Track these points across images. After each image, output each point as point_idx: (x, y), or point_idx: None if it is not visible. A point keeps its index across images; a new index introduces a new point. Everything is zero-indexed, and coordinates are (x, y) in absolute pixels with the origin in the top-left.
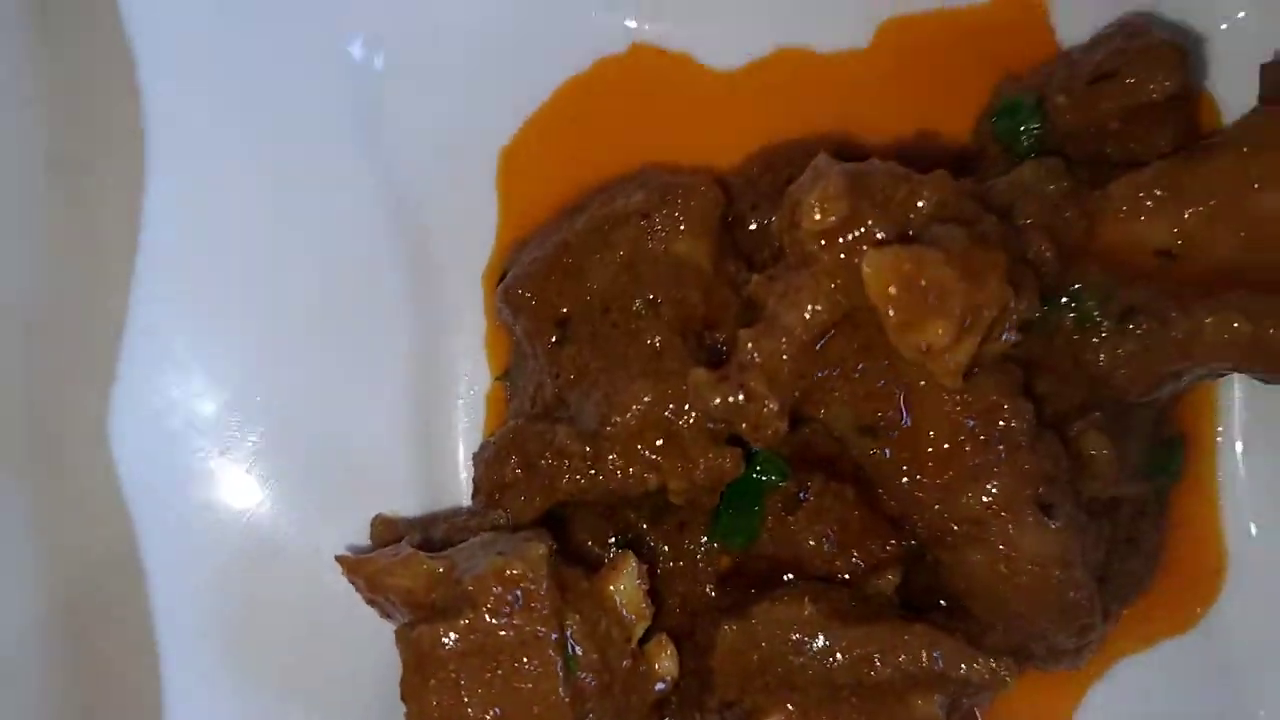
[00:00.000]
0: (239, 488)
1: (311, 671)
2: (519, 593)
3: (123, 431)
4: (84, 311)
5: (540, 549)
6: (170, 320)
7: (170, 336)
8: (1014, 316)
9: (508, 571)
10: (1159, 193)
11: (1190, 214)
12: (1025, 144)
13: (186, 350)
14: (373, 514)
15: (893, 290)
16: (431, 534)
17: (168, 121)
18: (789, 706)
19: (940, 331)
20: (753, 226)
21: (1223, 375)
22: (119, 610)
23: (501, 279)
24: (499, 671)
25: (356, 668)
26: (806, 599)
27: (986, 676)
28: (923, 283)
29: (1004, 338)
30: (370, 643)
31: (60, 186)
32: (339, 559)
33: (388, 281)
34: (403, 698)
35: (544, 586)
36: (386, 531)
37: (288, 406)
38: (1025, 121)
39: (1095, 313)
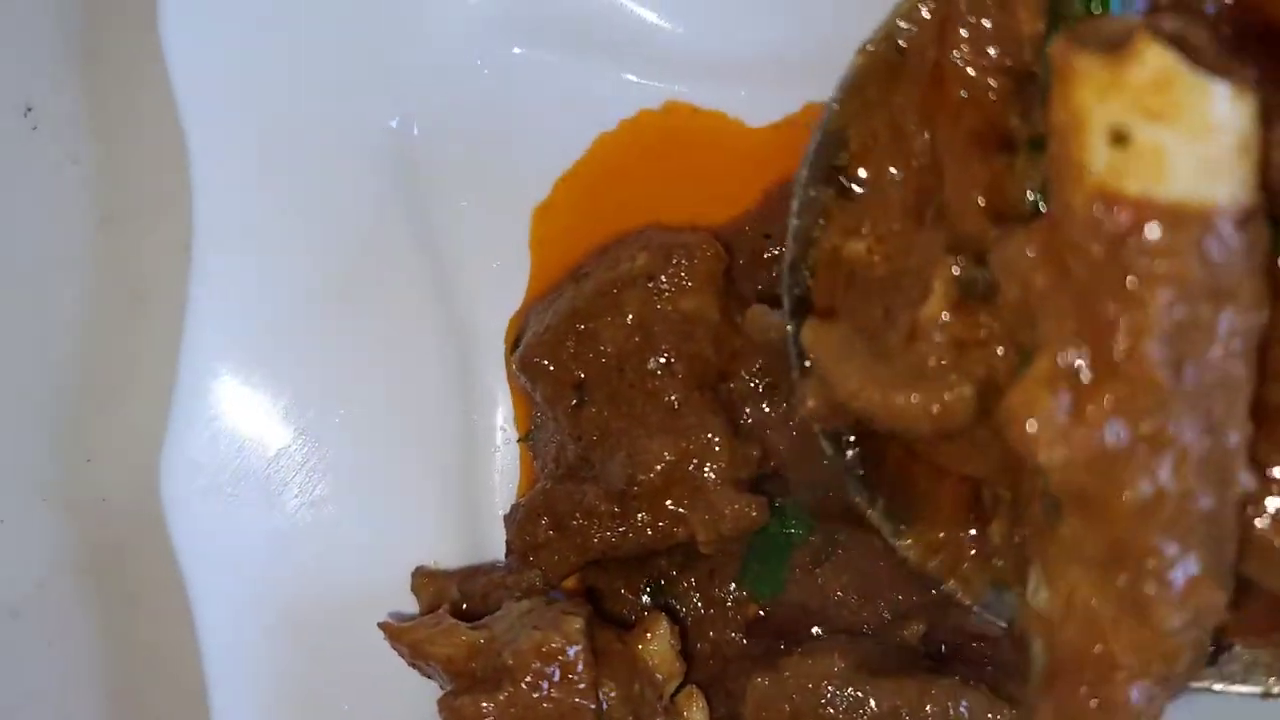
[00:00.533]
0: (289, 539)
1: None
2: (557, 666)
3: (173, 484)
4: (133, 364)
5: (577, 623)
6: (220, 369)
7: (221, 385)
8: None
9: (545, 647)
10: None
11: None
12: None
13: (234, 410)
14: (414, 566)
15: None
16: (470, 589)
17: (215, 184)
18: None
19: None
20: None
21: None
22: (170, 669)
23: (515, 346)
24: None
25: None
26: (836, 654)
27: None
28: None
29: None
30: (416, 702)
31: (109, 244)
32: (382, 626)
33: (429, 345)
34: None
35: (581, 659)
36: (429, 583)
37: (333, 465)
38: None
39: None
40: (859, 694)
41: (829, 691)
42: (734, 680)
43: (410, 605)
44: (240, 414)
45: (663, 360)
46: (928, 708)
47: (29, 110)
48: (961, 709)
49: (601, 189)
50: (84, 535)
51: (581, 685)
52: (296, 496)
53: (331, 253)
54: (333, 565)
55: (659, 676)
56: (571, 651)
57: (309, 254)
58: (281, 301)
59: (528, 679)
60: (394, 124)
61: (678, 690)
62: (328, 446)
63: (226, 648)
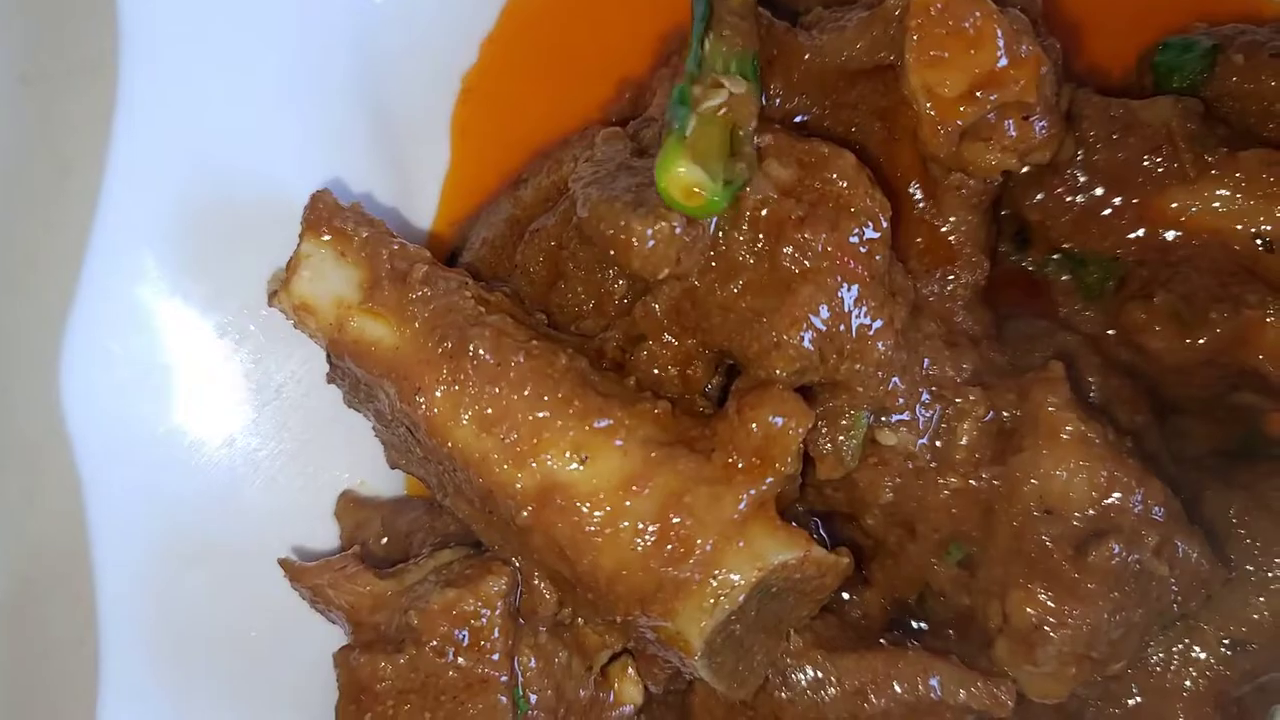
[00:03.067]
0: (197, 445)
1: (257, 665)
2: (467, 631)
3: (74, 375)
4: (45, 236)
5: (498, 583)
6: (135, 255)
7: (134, 275)
8: (1036, 128)
9: (458, 608)
10: None
11: None
12: (1177, 84)
13: (149, 297)
14: (343, 488)
15: (934, 10)
16: (395, 525)
17: (142, 45)
18: None
19: (950, 82)
20: None
21: None
22: (65, 583)
23: (451, 259)
24: (440, 712)
25: (305, 669)
26: (792, 630)
27: (987, 701)
28: (966, 23)
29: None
30: (323, 645)
31: (33, 107)
32: (282, 563)
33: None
34: None
35: (497, 625)
36: (354, 512)
37: (257, 365)
38: (1191, 63)
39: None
40: (818, 673)
41: (785, 671)
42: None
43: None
44: (155, 302)
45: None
46: (895, 685)
47: None
48: (932, 683)
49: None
50: None
51: (494, 654)
52: (215, 399)
53: (267, 133)
54: (249, 480)
55: (588, 647)
56: (485, 615)
57: (242, 132)
58: (211, 183)
59: (434, 643)
60: None
61: (610, 661)
62: (251, 346)
63: (123, 565)
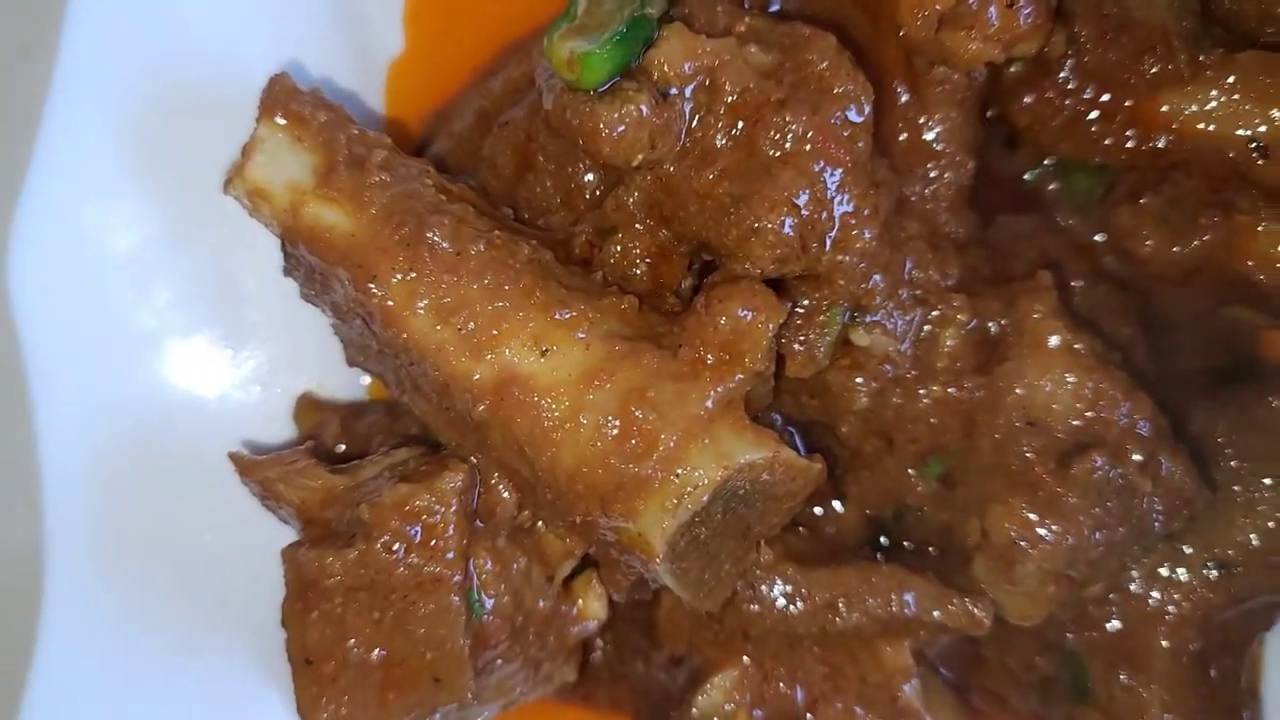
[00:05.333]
0: (149, 340)
1: (206, 565)
2: (419, 528)
3: (21, 264)
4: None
5: (454, 480)
6: (88, 139)
7: (87, 160)
8: (1021, 15)
9: (410, 504)
10: None
11: None
12: None
13: (108, 174)
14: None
15: None
16: (353, 427)
17: None
18: (744, 659)
19: None
20: None
21: None
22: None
23: (420, 150)
24: (390, 612)
25: (254, 570)
26: (762, 542)
27: (963, 619)
28: None
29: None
30: (271, 544)
31: None
32: (232, 456)
33: None
34: (283, 623)
35: (451, 523)
36: (312, 413)
37: (213, 249)
38: None
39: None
40: (788, 586)
41: (754, 584)
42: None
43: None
44: (108, 189)
45: None
46: (867, 600)
47: None
48: (906, 599)
49: None
50: None
51: (448, 553)
52: (169, 292)
53: (226, 13)
54: (203, 379)
55: (549, 555)
56: (439, 512)
57: (199, 13)
58: (168, 67)
59: (384, 538)
60: None
61: (574, 575)
62: (207, 237)
63: (67, 457)
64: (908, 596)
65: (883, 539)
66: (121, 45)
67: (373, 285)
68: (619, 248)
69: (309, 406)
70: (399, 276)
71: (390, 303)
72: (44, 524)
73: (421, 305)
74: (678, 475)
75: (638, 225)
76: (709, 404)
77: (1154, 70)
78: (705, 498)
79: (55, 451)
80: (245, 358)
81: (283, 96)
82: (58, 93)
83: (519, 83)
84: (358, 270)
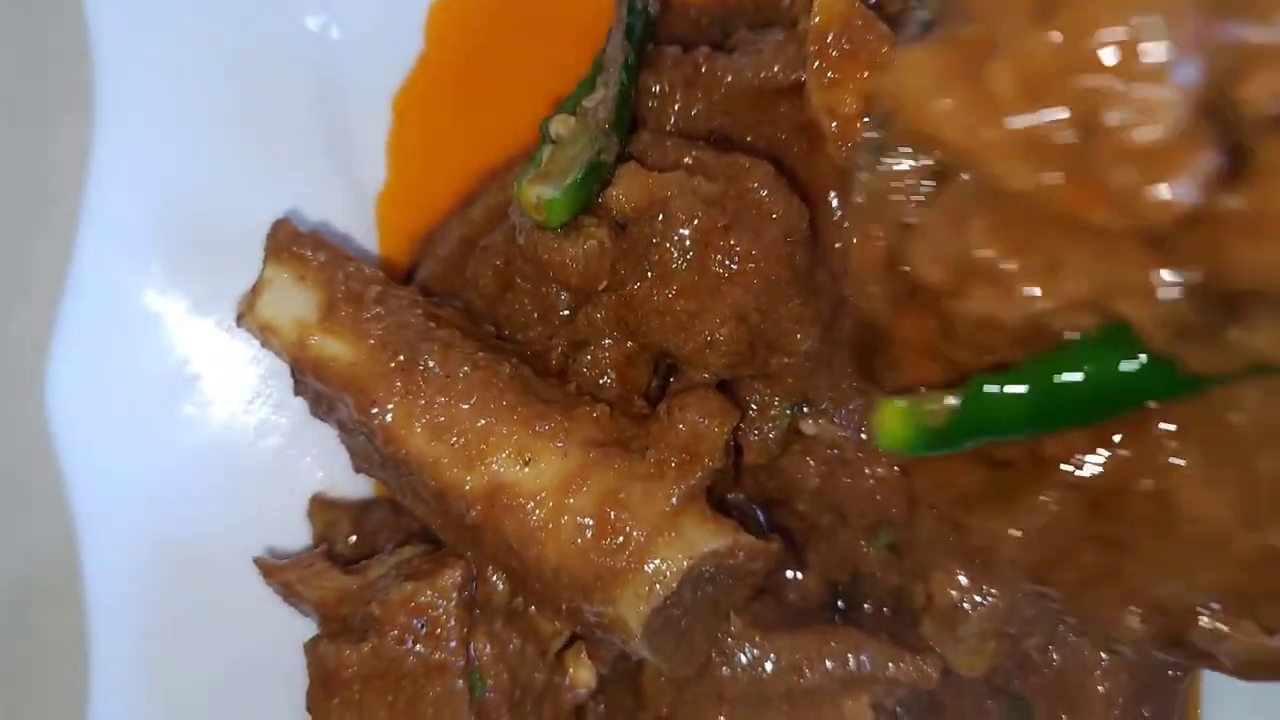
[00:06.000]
0: (180, 454)
1: (237, 663)
2: (425, 620)
3: (58, 388)
4: (36, 264)
5: (453, 576)
6: (115, 275)
7: (114, 293)
8: None
9: (416, 600)
10: None
11: None
12: None
13: (133, 305)
14: (315, 490)
15: (830, 36)
16: (363, 525)
17: (119, 74)
18: (721, 718)
19: (849, 101)
20: None
21: None
22: (50, 581)
23: (408, 277)
24: (402, 696)
25: (282, 666)
26: (732, 613)
27: (913, 675)
28: (861, 46)
29: None
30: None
31: (17, 135)
32: (257, 562)
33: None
34: (308, 709)
35: (453, 615)
36: (324, 513)
37: (233, 380)
38: None
39: None
40: (757, 652)
41: (727, 652)
42: (623, 663)
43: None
44: (135, 321)
45: None
46: (828, 661)
47: None
48: (862, 659)
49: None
50: None
51: (451, 642)
52: (193, 409)
53: (239, 163)
54: (228, 484)
55: (542, 634)
56: (442, 605)
57: (216, 164)
58: (187, 207)
59: (394, 632)
60: (314, 26)
61: (565, 647)
62: (227, 361)
63: (109, 563)
64: (863, 657)
65: (840, 603)
66: (143, 187)
67: (374, 409)
68: (590, 358)
69: (321, 506)
70: (396, 400)
71: (390, 423)
72: (88, 627)
73: (418, 425)
74: (649, 567)
75: (606, 339)
76: (674, 500)
77: None
78: (675, 584)
79: (97, 557)
80: (265, 464)
81: (285, 240)
82: (85, 233)
83: (496, 210)
84: (360, 396)
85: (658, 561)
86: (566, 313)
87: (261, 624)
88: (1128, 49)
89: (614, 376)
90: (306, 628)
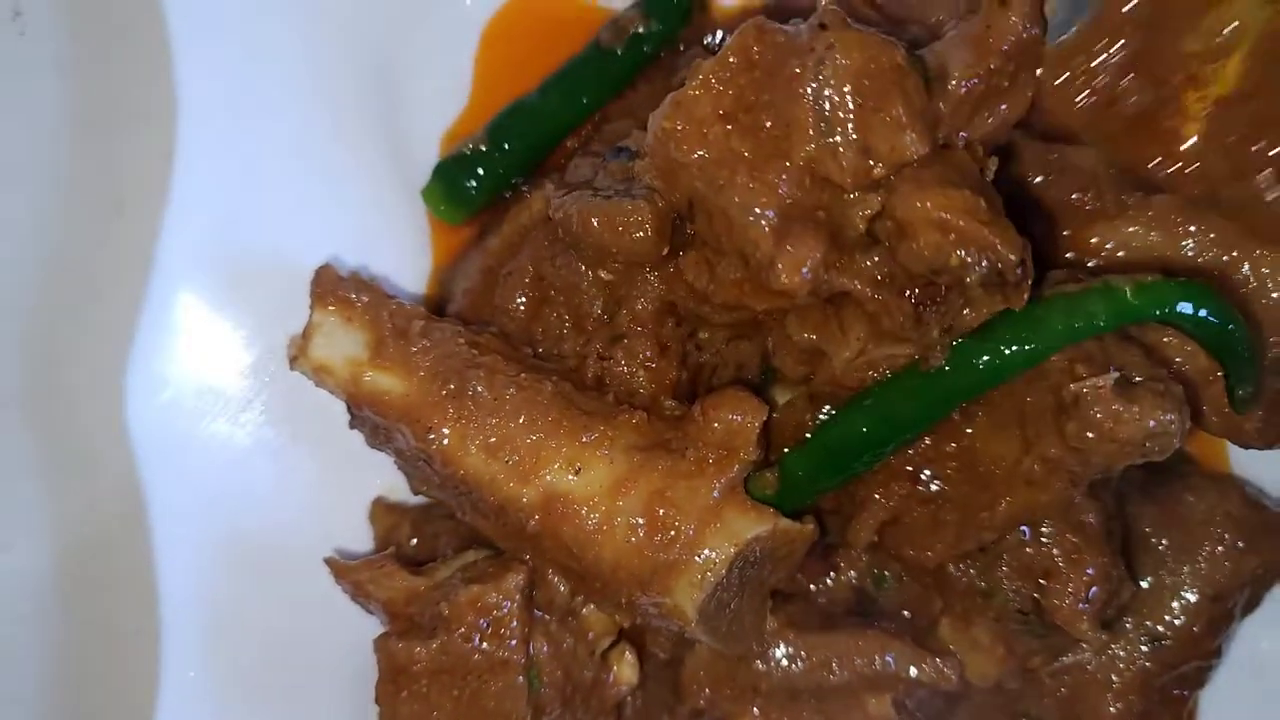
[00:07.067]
0: (248, 458)
1: (302, 657)
2: (490, 621)
3: (138, 395)
4: (107, 273)
5: (516, 579)
6: (191, 285)
7: (190, 302)
8: None
9: (482, 601)
10: None
11: None
12: None
13: (205, 316)
14: (374, 494)
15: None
16: (423, 528)
17: (200, 92)
18: (755, 710)
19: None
20: None
21: None
22: (123, 573)
23: (439, 311)
24: (467, 690)
25: (345, 660)
26: (769, 614)
27: (934, 676)
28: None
29: None
30: (364, 637)
31: (90, 148)
32: (328, 562)
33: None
34: (377, 701)
35: (515, 616)
36: (385, 517)
37: (300, 386)
38: None
39: None
40: (790, 649)
41: (762, 649)
42: (669, 646)
43: (368, 535)
44: (209, 328)
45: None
46: (856, 660)
47: (17, 15)
48: (888, 659)
49: None
50: (49, 443)
51: (513, 641)
52: (261, 415)
53: (314, 173)
54: (292, 487)
55: (591, 634)
56: (506, 607)
57: (289, 175)
58: (259, 219)
59: (461, 630)
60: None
61: (611, 647)
62: (290, 373)
63: (181, 562)
64: (889, 657)
65: (871, 605)
66: (214, 203)
67: (431, 435)
68: (625, 349)
69: (382, 510)
70: (451, 426)
71: (447, 447)
72: (161, 621)
73: (473, 447)
74: (700, 557)
75: (639, 328)
76: (716, 494)
77: (1087, 207)
78: (724, 571)
79: (169, 555)
80: (327, 469)
81: (329, 285)
82: (164, 246)
83: (512, 237)
84: (416, 425)
85: (707, 551)
86: (603, 314)
87: (327, 623)
88: None
89: (644, 375)
90: (369, 627)
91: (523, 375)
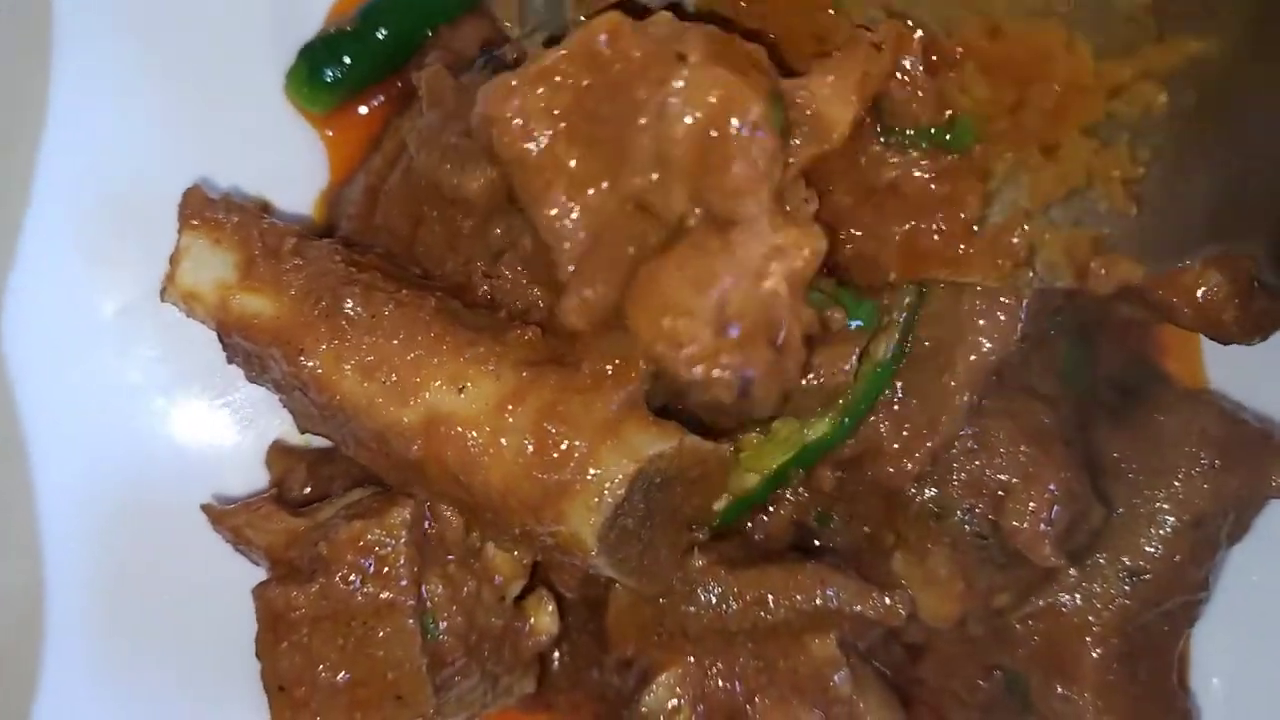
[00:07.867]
0: (133, 399)
1: (193, 611)
2: (373, 559)
3: (15, 335)
4: None
5: (402, 514)
6: (73, 214)
7: (72, 231)
8: None
9: (363, 539)
10: None
11: None
12: None
13: (88, 246)
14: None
15: None
16: (319, 472)
17: (79, 25)
18: (687, 659)
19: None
20: None
21: None
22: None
23: (328, 233)
24: (352, 638)
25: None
26: (695, 550)
27: (881, 611)
28: None
29: None
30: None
31: None
32: (204, 508)
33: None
34: (257, 655)
35: (402, 554)
36: (281, 460)
37: (184, 320)
38: None
39: None
40: (720, 588)
41: (690, 590)
42: (596, 591)
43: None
44: (91, 261)
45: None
46: (793, 596)
47: None
48: (829, 593)
49: None
50: None
51: (402, 581)
52: (145, 358)
53: (200, 98)
54: (183, 430)
55: (498, 578)
56: (390, 544)
57: (176, 100)
58: (143, 149)
59: (341, 571)
60: None
61: (528, 594)
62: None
63: (64, 505)
64: (830, 591)
65: (814, 541)
66: (93, 149)
67: (302, 358)
68: (509, 260)
69: (279, 453)
70: (324, 346)
71: (320, 370)
72: (45, 570)
73: (348, 368)
74: (593, 476)
75: (525, 239)
76: (613, 408)
77: None
78: (623, 491)
79: (53, 503)
80: (221, 407)
81: (197, 206)
82: (40, 187)
83: (393, 154)
84: (287, 347)
85: (602, 469)
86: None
87: (226, 574)
88: None
89: (540, 290)
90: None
91: (404, 292)
